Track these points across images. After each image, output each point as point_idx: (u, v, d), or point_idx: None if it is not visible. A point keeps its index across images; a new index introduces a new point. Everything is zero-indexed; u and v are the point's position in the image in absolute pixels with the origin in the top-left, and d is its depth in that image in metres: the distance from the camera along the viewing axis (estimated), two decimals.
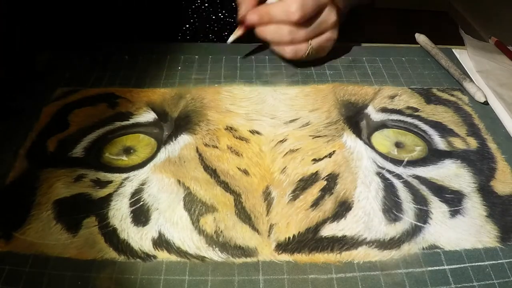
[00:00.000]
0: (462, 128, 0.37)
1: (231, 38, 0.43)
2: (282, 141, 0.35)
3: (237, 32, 0.43)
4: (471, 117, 0.39)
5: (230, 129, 0.36)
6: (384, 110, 0.39)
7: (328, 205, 0.30)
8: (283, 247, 0.28)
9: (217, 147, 0.34)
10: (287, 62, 0.45)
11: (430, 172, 0.33)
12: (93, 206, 0.30)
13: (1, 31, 0.41)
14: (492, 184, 0.32)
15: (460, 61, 0.46)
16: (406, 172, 0.33)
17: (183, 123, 0.37)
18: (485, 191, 0.32)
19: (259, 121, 0.37)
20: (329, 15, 0.41)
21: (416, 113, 0.38)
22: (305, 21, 0.39)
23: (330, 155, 0.34)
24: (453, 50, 0.48)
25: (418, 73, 0.44)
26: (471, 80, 0.41)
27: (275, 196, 0.31)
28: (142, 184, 0.31)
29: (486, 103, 0.40)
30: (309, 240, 0.28)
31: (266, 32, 0.41)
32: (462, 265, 0.27)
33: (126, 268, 0.27)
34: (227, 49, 0.46)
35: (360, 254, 0.28)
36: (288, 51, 0.42)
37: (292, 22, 0.39)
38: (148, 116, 0.37)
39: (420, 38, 0.48)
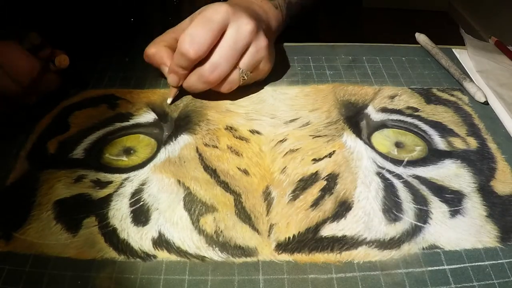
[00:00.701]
0: (462, 128, 0.37)
1: (169, 100, 0.39)
2: (282, 141, 0.35)
3: (170, 95, 0.39)
4: (471, 117, 0.39)
5: (230, 129, 0.36)
6: (384, 110, 0.39)
7: (328, 205, 0.30)
8: (283, 247, 0.28)
9: (217, 147, 0.34)
10: (287, 61, 0.45)
11: (430, 172, 0.33)
12: (93, 206, 0.30)
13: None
14: (492, 184, 0.32)
15: (460, 61, 0.46)
16: (406, 172, 0.33)
17: (183, 123, 0.37)
18: (485, 191, 0.32)
19: (259, 121, 0.37)
20: (239, 29, 0.35)
21: (416, 113, 0.38)
22: (205, 52, 0.35)
23: (330, 155, 0.34)
24: (453, 50, 0.48)
25: (418, 73, 0.44)
26: (471, 80, 0.41)
27: (275, 196, 0.31)
28: (142, 184, 0.31)
29: (486, 103, 0.40)
30: (309, 240, 0.28)
31: (191, 85, 0.37)
32: (462, 265, 0.27)
33: (126, 267, 0.27)
34: None
35: (360, 254, 0.28)
36: (222, 88, 0.37)
37: (192, 60, 0.35)
38: (148, 116, 0.37)
39: (420, 37, 0.48)
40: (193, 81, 0.37)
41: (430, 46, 0.46)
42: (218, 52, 0.35)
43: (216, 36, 0.35)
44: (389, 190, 0.31)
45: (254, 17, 0.37)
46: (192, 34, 0.34)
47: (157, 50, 0.39)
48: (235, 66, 0.37)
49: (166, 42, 0.39)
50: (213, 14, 0.35)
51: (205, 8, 0.36)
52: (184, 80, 0.37)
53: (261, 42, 0.37)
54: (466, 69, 0.45)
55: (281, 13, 0.45)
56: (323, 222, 0.29)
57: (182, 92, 0.39)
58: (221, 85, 0.37)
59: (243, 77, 0.37)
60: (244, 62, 0.37)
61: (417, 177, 0.32)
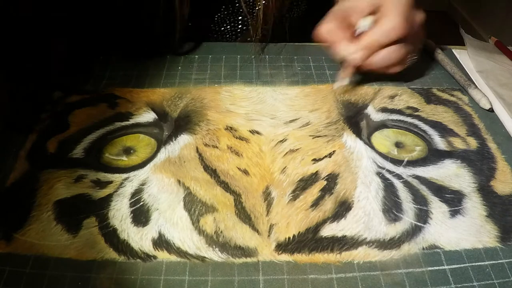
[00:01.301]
0: (462, 128, 0.37)
1: (336, 85, 0.41)
2: (282, 141, 0.35)
3: (344, 76, 0.40)
4: (471, 117, 0.39)
5: (230, 129, 0.36)
6: (384, 110, 0.39)
7: (328, 205, 0.30)
8: (283, 247, 0.28)
9: (217, 147, 0.34)
10: (287, 61, 0.45)
11: (430, 172, 0.33)
12: (93, 206, 0.30)
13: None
14: (492, 184, 0.32)
15: (460, 61, 0.46)
16: (406, 172, 0.33)
17: (183, 123, 0.37)
18: (485, 191, 0.32)
19: (259, 121, 0.37)
20: (417, 14, 0.39)
21: (416, 113, 0.38)
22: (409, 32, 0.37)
23: (330, 155, 0.34)
24: (453, 50, 0.48)
25: (418, 73, 0.44)
26: (476, 86, 0.41)
27: (275, 196, 0.31)
28: (142, 184, 0.31)
29: (491, 110, 0.39)
30: (309, 240, 0.28)
31: (375, 62, 0.38)
32: (462, 265, 0.27)
33: (126, 268, 0.27)
34: (227, 49, 0.46)
35: (360, 254, 0.28)
36: (396, 69, 0.40)
37: (398, 38, 0.37)
38: (148, 116, 0.37)
39: (426, 42, 0.48)
40: (379, 60, 0.38)
41: (436, 52, 0.46)
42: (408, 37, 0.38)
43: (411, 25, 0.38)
44: (389, 190, 0.31)
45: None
46: (403, 11, 0.37)
47: (329, 28, 0.39)
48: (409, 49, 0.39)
49: (337, 21, 0.39)
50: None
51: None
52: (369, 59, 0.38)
53: (423, 32, 0.41)
54: (466, 69, 0.45)
55: None
56: (323, 222, 0.29)
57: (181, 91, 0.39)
58: (396, 69, 0.40)
59: (414, 59, 0.40)
60: (414, 45, 0.40)
61: (417, 177, 0.32)
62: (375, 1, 0.38)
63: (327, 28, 0.39)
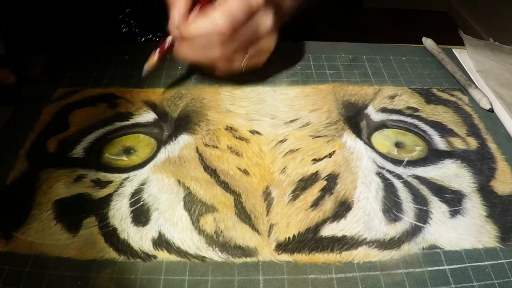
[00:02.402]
0: (462, 128, 0.37)
1: (146, 67, 0.38)
2: (282, 141, 0.35)
3: (154, 57, 0.38)
4: (471, 117, 0.39)
5: (230, 129, 0.36)
6: (384, 110, 0.39)
7: (328, 205, 0.30)
8: (283, 247, 0.28)
9: (217, 147, 0.34)
10: (287, 61, 0.45)
11: (430, 172, 0.33)
12: (93, 206, 0.30)
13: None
14: (492, 184, 0.32)
15: (460, 61, 0.46)
16: (406, 172, 0.33)
17: (183, 123, 0.37)
18: (485, 191, 0.32)
19: (259, 121, 0.37)
20: (262, 20, 0.36)
21: (416, 113, 0.38)
22: (236, 31, 0.35)
23: (330, 155, 0.34)
24: (453, 50, 0.48)
25: (418, 73, 0.44)
26: (476, 86, 0.41)
27: (275, 196, 0.31)
28: (142, 184, 0.31)
29: (491, 110, 0.39)
30: (309, 240, 0.28)
31: (191, 50, 0.36)
32: (462, 265, 0.27)
33: (126, 268, 0.27)
34: None
35: (360, 254, 0.28)
36: (221, 68, 0.37)
37: (222, 34, 0.34)
38: (148, 116, 0.37)
39: (427, 42, 0.48)
40: (197, 48, 0.35)
41: (437, 51, 0.46)
42: (240, 33, 0.35)
43: (250, 18, 0.35)
44: (389, 190, 0.31)
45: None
46: (232, 9, 0.34)
47: None
48: (243, 50, 0.37)
49: None
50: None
51: None
52: (187, 45, 0.36)
53: (271, 41, 0.38)
54: (467, 69, 0.45)
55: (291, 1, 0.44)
56: (323, 222, 0.29)
57: (180, 86, 0.39)
58: (221, 68, 0.37)
59: (243, 65, 0.38)
60: (253, 49, 0.37)
61: (417, 177, 0.32)
62: None
63: None
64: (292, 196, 0.31)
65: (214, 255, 0.27)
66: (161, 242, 0.28)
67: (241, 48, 0.36)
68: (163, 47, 0.38)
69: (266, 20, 0.37)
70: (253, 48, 0.37)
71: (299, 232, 0.29)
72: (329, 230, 0.29)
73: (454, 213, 0.30)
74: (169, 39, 0.37)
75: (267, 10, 0.36)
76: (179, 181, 0.31)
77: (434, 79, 0.43)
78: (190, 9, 0.36)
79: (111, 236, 0.28)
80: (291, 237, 0.28)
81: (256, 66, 0.39)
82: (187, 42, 0.35)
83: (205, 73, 0.41)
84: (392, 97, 0.40)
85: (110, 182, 0.31)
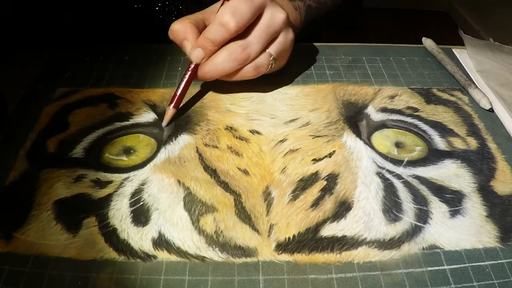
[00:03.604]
0: (462, 128, 0.37)
1: (164, 122, 0.36)
2: (282, 141, 0.35)
3: (169, 114, 0.36)
4: (471, 117, 0.39)
5: (230, 129, 0.36)
6: (384, 110, 0.39)
7: (328, 205, 0.30)
8: (283, 247, 0.28)
9: (217, 147, 0.34)
10: (287, 62, 0.45)
11: (430, 172, 0.33)
12: (93, 206, 0.30)
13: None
14: (492, 184, 0.32)
15: (460, 61, 0.46)
16: (406, 172, 0.33)
17: (183, 123, 0.37)
18: (485, 191, 0.32)
19: (259, 121, 0.37)
20: (274, 15, 0.37)
21: (416, 113, 0.38)
22: (244, 27, 0.35)
23: (330, 155, 0.34)
24: (453, 50, 0.48)
25: (418, 73, 0.44)
26: (476, 86, 0.41)
27: (275, 196, 0.31)
28: (142, 184, 0.31)
29: (491, 110, 0.39)
30: (309, 240, 0.28)
31: (218, 65, 0.36)
32: (462, 265, 0.27)
33: (126, 268, 0.27)
34: None
35: (360, 254, 0.28)
36: (249, 69, 0.37)
37: (231, 32, 0.35)
38: (148, 116, 0.37)
39: (427, 42, 0.48)
40: (222, 58, 0.35)
41: (436, 51, 0.46)
42: (251, 33, 0.36)
43: (255, 15, 0.35)
44: (389, 190, 0.31)
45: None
46: (235, 6, 0.34)
47: (182, 25, 0.37)
48: (265, 50, 0.37)
49: (193, 20, 0.37)
50: None
51: None
52: (211, 63, 0.36)
53: (290, 34, 0.39)
54: (467, 69, 0.45)
55: (299, 16, 0.45)
56: (323, 222, 0.29)
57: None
58: (249, 69, 0.37)
59: (271, 62, 0.38)
60: (273, 48, 0.37)
61: (417, 177, 0.32)
62: None
63: (177, 26, 0.37)
64: (292, 196, 0.31)
65: (214, 255, 0.27)
66: (161, 242, 0.28)
67: (260, 45, 0.36)
68: (187, 84, 0.37)
69: (277, 13, 0.37)
70: (274, 45, 0.38)
71: (299, 232, 0.29)
72: (329, 230, 0.29)
73: (454, 213, 0.30)
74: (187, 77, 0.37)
75: (275, 4, 0.37)
76: (179, 181, 0.31)
77: (434, 79, 0.43)
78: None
79: (111, 236, 0.28)
80: (291, 237, 0.28)
81: (280, 65, 0.40)
82: (208, 54, 0.36)
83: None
84: (392, 97, 0.40)
85: (110, 182, 0.31)
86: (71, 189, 0.31)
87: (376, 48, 0.48)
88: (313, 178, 0.32)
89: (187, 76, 0.37)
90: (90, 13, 0.50)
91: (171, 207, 0.30)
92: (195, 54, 0.36)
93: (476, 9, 1.92)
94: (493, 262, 0.27)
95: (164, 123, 0.36)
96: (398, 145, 0.35)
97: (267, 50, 0.37)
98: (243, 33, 0.36)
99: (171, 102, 0.37)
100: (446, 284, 0.26)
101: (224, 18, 0.34)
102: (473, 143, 0.36)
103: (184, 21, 0.37)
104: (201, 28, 0.37)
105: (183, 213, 0.29)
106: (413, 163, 0.34)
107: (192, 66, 0.37)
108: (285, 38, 0.38)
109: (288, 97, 0.40)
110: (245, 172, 0.32)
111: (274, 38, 0.38)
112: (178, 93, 0.37)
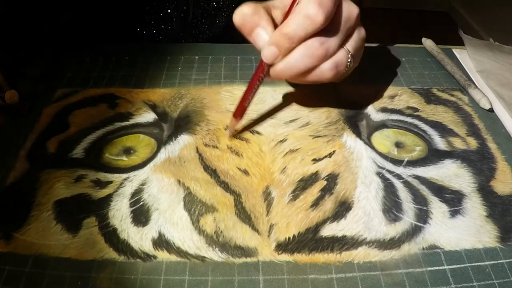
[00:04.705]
0: (462, 128, 0.37)
1: (228, 132, 0.35)
2: (282, 141, 0.35)
3: (233, 125, 0.34)
4: (471, 117, 0.39)
5: None
6: (384, 110, 0.39)
7: (328, 205, 0.30)
8: (283, 247, 0.28)
9: (217, 147, 0.34)
10: None
11: (430, 172, 0.33)
12: (93, 206, 0.30)
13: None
14: (492, 184, 0.32)
15: (460, 61, 0.46)
16: (406, 172, 0.33)
17: (183, 123, 0.37)
18: (485, 191, 0.32)
19: (259, 121, 0.37)
20: (349, 9, 0.33)
21: (416, 113, 0.38)
22: (328, 21, 0.31)
23: (330, 155, 0.34)
24: (453, 50, 0.48)
25: (418, 73, 0.44)
26: (476, 86, 0.41)
27: (275, 196, 0.31)
28: (142, 184, 0.31)
29: (491, 110, 0.39)
30: (309, 240, 0.28)
31: (294, 62, 0.31)
32: (462, 265, 0.27)
33: (126, 268, 0.27)
34: (227, 49, 0.46)
35: (360, 254, 0.28)
36: (327, 67, 0.32)
37: (317, 27, 0.30)
38: (148, 116, 0.37)
39: (427, 42, 0.48)
40: (299, 55, 0.31)
41: (436, 52, 0.46)
42: (327, 27, 0.31)
43: (335, 7, 0.31)
44: (389, 190, 0.31)
45: None
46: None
47: (254, 9, 0.31)
48: (342, 46, 0.33)
49: (264, 6, 0.32)
50: None
51: None
52: (286, 61, 0.31)
53: (362, 31, 0.35)
54: (467, 69, 0.45)
55: None
56: (323, 222, 0.29)
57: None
58: (327, 67, 0.32)
59: (350, 60, 0.33)
60: (350, 45, 0.33)
61: (417, 177, 0.32)
62: None
63: (248, 10, 0.31)
64: (292, 196, 0.31)
65: (214, 255, 0.27)
66: (161, 242, 0.28)
67: (339, 41, 0.32)
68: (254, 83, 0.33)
69: (351, 7, 0.33)
70: (350, 42, 0.33)
71: (299, 232, 0.29)
72: (329, 230, 0.29)
73: (454, 213, 0.30)
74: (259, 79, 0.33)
75: (349, 1, 0.33)
76: (179, 181, 0.31)
77: (434, 79, 0.43)
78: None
79: (111, 236, 0.28)
80: (291, 237, 0.28)
81: (355, 65, 0.35)
82: (283, 53, 0.31)
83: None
84: (392, 97, 0.40)
85: (110, 182, 0.31)
86: (71, 189, 0.31)
87: (376, 48, 0.48)
88: (313, 178, 0.32)
89: (257, 83, 0.33)
90: (90, 13, 0.50)
91: (171, 207, 0.30)
92: (268, 52, 0.31)
93: (476, 9, 1.92)
94: (493, 262, 0.27)
95: (228, 133, 0.35)
96: (398, 145, 0.35)
97: (344, 47, 0.33)
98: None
99: (237, 112, 0.34)
100: (446, 284, 0.26)
101: (310, 10, 0.29)
102: (473, 143, 0.36)
103: (255, 4, 0.32)
104: (271, 16, 0.32)
105: (183, 213, 0.29)
106: (413, 163, 0.34)
107: (264, 66, 0.32)
108: (360, 35, 0.34)
109: (288, 97, 0.40)
110: (245, 172, 0.32)
111: (349, 34, 0.33)
112: (246, 104, 0.34)
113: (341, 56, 0.32)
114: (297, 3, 0.31)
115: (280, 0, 0.33)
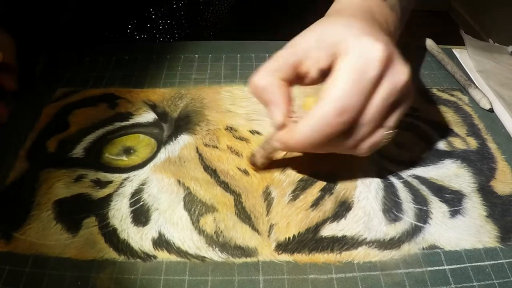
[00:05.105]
0: (462, 128, 0.37)
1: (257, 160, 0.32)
2: None
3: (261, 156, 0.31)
4: (471, 117, 0.39)
5: (230, 129, 0.36)
6: None
7: (328, 205, 0.30)
8: (283, 247, 0.28)
9: (217, 147, 0.34)
10: None
11: (430, 172, 0.33)
12: (93, 206, 0.30)
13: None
14: (492, 184, 0.32)
15: (460, 61, 0.46)
16: (406, 172, 0.33)
17: (183, 123, 0.37)
18: (485, 191, 0.32)
19: (259, 121, 0.37)
20: (394, 79, 0.26)
21: (416, 113, 0.38)
22: (350, 113, 0.26)
23: (330, 155, 0.34)
24: (453, 50, 0.48)
25: (418, 73, 0.44)
26: (476, 86, 0.41)
27: (275, 196, 0.31)
28: (142, 184, 0.31)
29: (491, 110, 0.39)
30: (309, 240, 0.28)
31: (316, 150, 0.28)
32: (462, 265, 0.27)
33: (126, 268, 0.27)
34: (227, 48, 0.46)
35: (360, 254, 0.28)
36: (360, 152, 0.29)
37: (332, 126, 0.26)
38: (148, 116, 0.37)
39: (427, 42, 0.48)
40: (323, 150, 0.28)
41: (437, 52, 0.46)
42: (366, 113, 0.26)
43: (368, 99, 0.26)
44: (389, 190, 0.31)
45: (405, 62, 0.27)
46: (342, 98, 0.25)
47: (269, 83, 0.28)
48: (380, 125, 0.28)
49: (282, 73, 0.29)
50: (368, 65, 0.25)
51: (354, 44, 0.26)
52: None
53: (411, 98, 0.28)
54: (467, 69, 0.45)
55: (396, 16, 0.34)
56: (323, 222, 0.29)
57: None
58: (360, 152, 0.29)
59: (387, 138, 0.28)
60: (392, 120, 0.28)
61: (417, 177, 0.32)
62: (334, 49, 0.27)
63: (263, 83, 0.28)
64: (292, 196, 0.31)
65: (214, 255, 0.27)
66: (161, 242, 0.28)
67: (376, 124, 0.27)
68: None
69: (398, 74, 0.26)
70: (394, 116, 0.28)
71: (299, 232, 0.29)
72: (329, 230, 0.29)
73: (454, 213, 0.30)
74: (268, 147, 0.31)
75: (395, 62, 0.26)
76: (179, 181, 0.31)
77: (434, 79, 0.43)
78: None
79: (111, 236, 0.28)
80: (291, 237, 0.28)
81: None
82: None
83: None
84: None
85: (110, 182, 0.31)
86: (71, 189, 0.31)
87: None
88: (313, 178, 0.32)
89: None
90: (90, 13, 0.50)
91: (171, 207, 0.30)
92: (275, 143, 0.29)
93: (476, 9, 1.92)
94: (493, 262, 0.27)
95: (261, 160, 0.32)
96: (397, 145, 0.35)
97: (384, 125, 0.28)
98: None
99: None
100: (446, 284, 0.26)
101: (326, 111, 0.26)
102: (473, 143, 0.36)
103: (272, 75, 0.28)
104: (292, 80, 0.29)
105: (183, 213, 0.29)
106: (413, 163, 0.34)
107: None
108: (406, 106, 0.28)
109: None
110: (245, 172, 0.32)
111: (393, 108, 0.27)
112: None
113: (377, 139, 0.28)
114: (331, 80, 0.27)
115: (308, 48, 0.29)
